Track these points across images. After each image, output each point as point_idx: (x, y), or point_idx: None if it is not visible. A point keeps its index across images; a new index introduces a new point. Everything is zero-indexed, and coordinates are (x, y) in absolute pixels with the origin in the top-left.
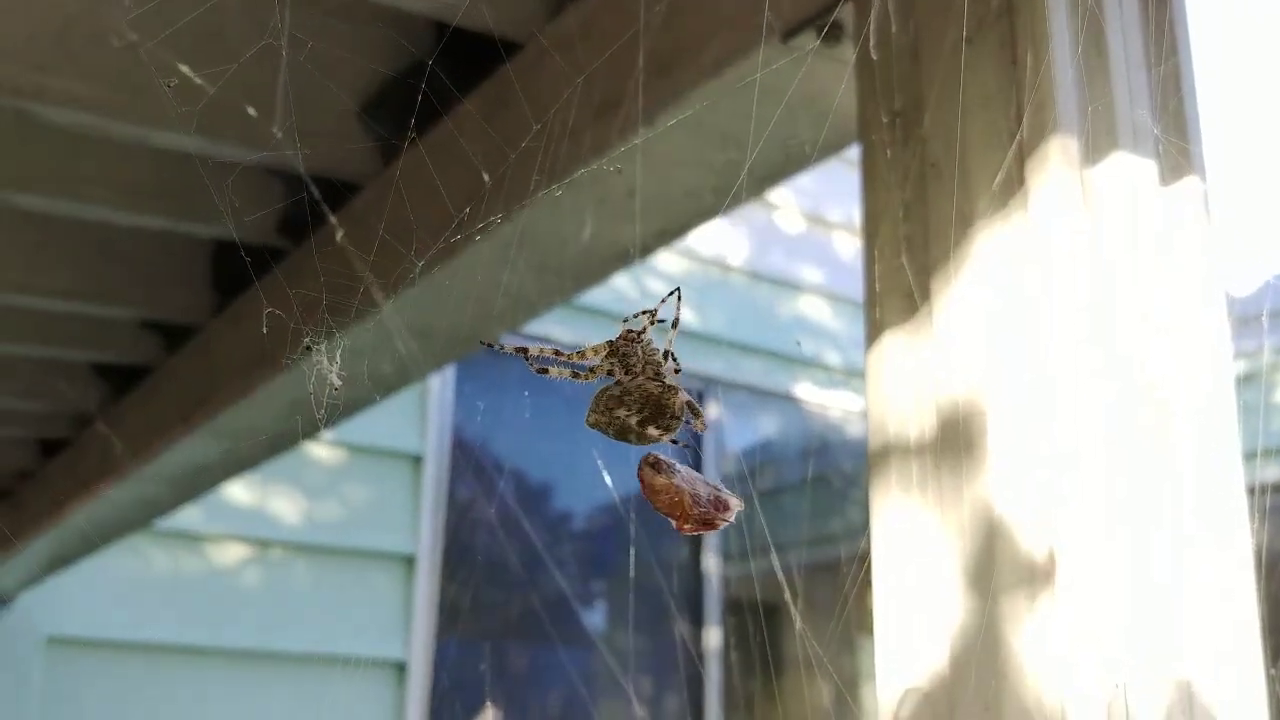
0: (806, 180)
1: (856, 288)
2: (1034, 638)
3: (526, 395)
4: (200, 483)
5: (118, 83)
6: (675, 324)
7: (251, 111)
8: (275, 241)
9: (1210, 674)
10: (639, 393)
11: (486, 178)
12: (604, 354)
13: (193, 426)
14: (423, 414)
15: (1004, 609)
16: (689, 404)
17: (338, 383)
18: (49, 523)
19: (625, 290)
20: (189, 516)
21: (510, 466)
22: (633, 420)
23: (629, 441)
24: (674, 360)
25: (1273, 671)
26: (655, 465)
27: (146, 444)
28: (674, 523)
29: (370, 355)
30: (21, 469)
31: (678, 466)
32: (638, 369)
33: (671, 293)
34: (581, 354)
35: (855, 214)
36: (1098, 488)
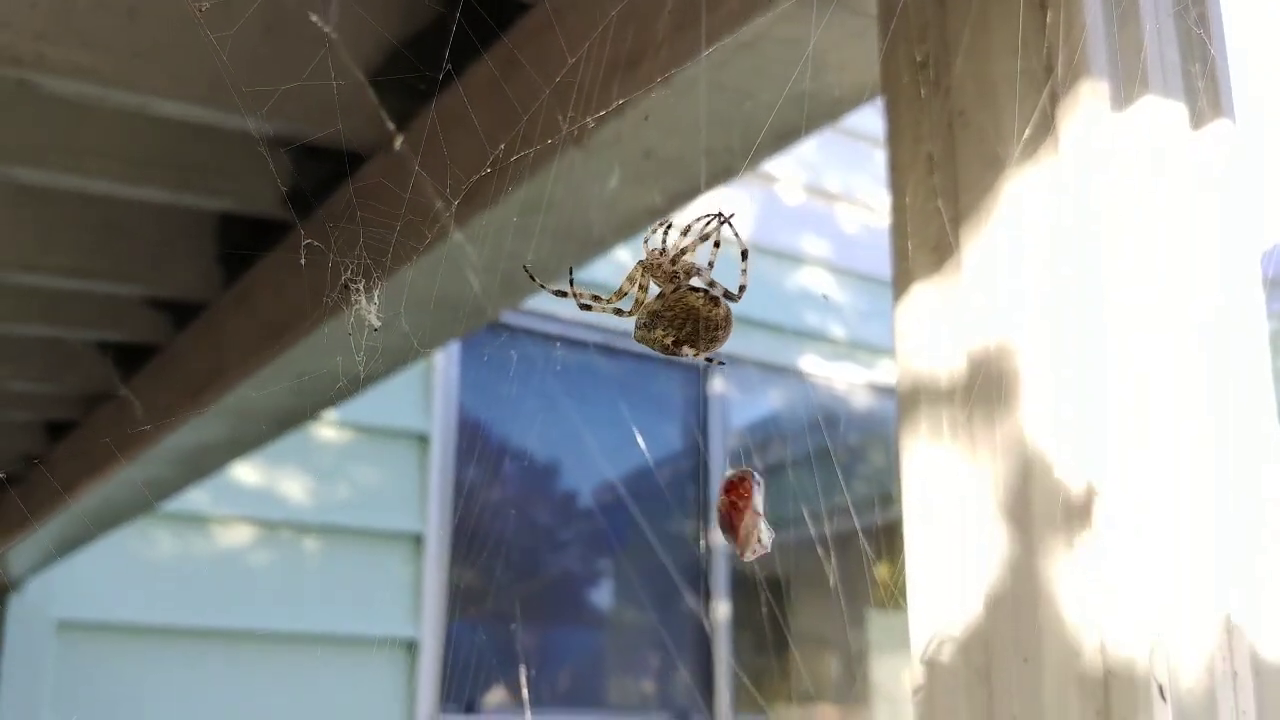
0: (807, 152)
1: (860, 260)
2: (1073, 583)
3: (558, 347)
4: (210, 462)
5: (120, 50)
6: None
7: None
8: (280, 214)
9: (1253, 614)
10: (680, 306)
11: (514, 130)
12: (639, 276)
13: (202, 405)
14: (428, 393)
15: (1041, 554)
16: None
17: (376, 324)
18: (58, 506)
19: (627, 262)
20: (197, 498)
21: (516, 445)
22: (669, 340)
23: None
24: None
25: None
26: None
27: (155, 424)
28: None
29: (384, 327)
30: (29, 452)
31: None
32: (683, 278)
33: (714, 217)
34: (620, 293)
35: (856, 186)
36: (1135, 431)
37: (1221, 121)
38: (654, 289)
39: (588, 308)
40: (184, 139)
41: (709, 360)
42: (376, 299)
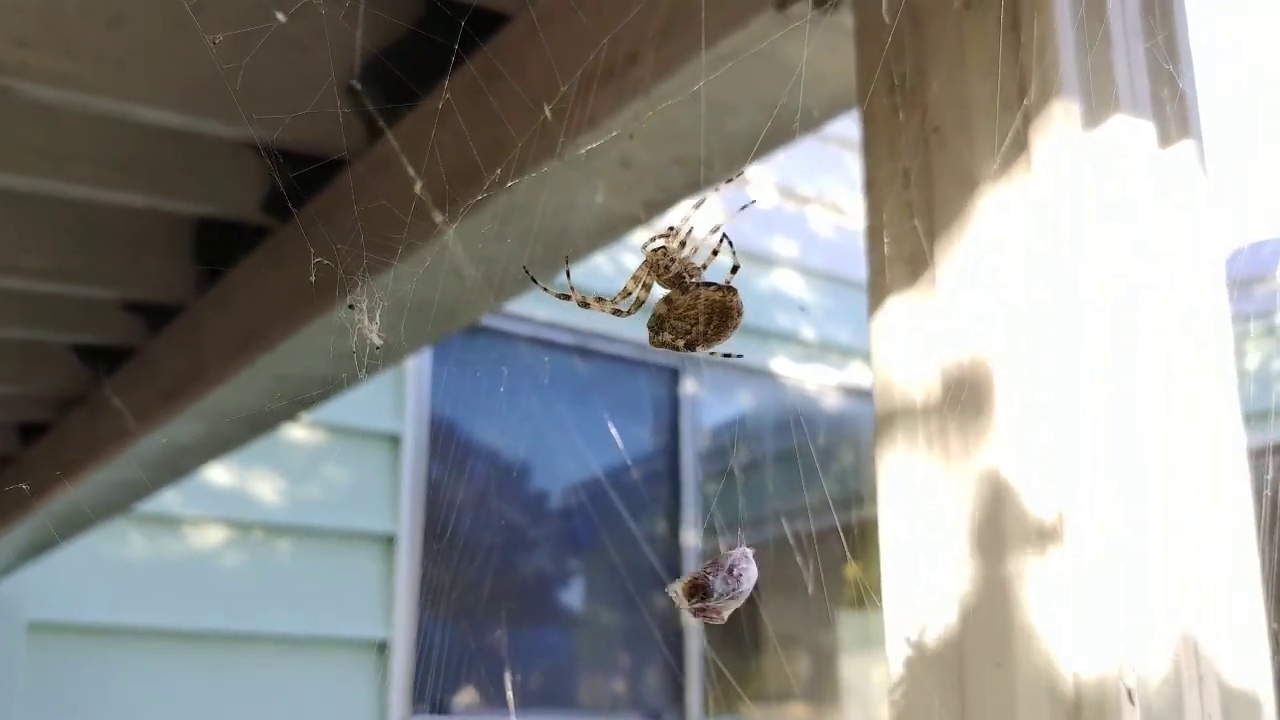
0: (778, 154)
1: (830, 262)
2: (1044, 596)
3: (531, 349)
4: (184, 464)
5: (102, 57)
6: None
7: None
8: (259, 219)
9: (1216, 629)
10: (703, 304)
11: (506, 139)
12: (643, 280)
13: (177, 408)
14: (400, 394)
15: (1013, 568)
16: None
17: (379, 341)
18: (29, 508)
19: (601, 267)
20: (168, 499)
21: (487, 445)
22: (709, 329)
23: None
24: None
25: (1275, 625)
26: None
27: (130, 426)
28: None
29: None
30: (1, 454)
31: (714, 586)
32: (687, 278)
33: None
34: (625, 293)
35: (828, 188)
36: (1105, 447)
37: (1188, 142)
38: (657, 291)
39: (587, 306)
40: (163, 144)
41: (725, 355)
42: (379, 318)
